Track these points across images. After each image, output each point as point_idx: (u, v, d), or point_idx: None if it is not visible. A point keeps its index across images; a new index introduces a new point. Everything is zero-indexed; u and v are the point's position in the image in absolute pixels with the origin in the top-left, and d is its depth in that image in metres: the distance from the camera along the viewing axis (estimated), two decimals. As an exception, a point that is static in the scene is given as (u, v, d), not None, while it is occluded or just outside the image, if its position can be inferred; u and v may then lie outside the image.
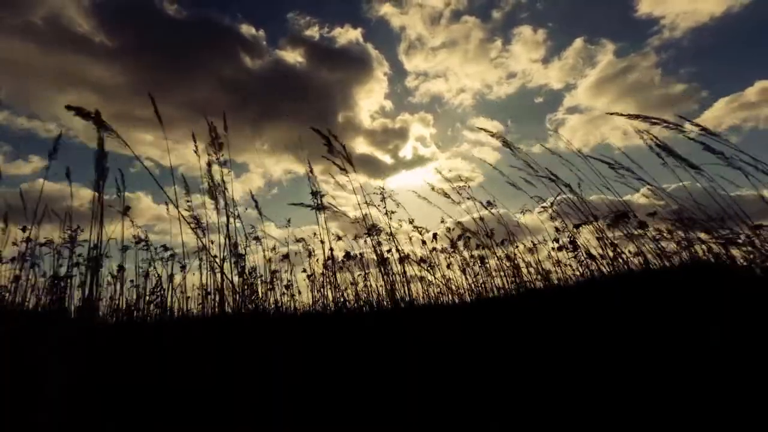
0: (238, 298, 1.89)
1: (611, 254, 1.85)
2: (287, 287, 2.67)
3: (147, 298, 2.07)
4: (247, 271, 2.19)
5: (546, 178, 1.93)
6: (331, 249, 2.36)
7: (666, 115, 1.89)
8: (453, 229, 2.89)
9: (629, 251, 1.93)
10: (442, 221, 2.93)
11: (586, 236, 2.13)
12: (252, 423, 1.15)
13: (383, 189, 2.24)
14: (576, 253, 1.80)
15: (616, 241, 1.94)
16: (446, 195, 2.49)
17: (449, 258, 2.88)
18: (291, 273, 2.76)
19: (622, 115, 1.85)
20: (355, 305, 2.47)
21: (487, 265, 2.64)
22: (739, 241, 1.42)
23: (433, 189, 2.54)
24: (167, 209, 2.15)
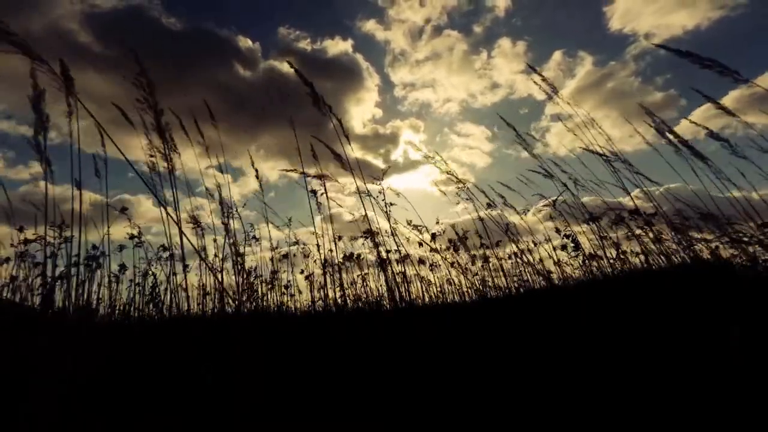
0: (238, 297, 1.88)
1: (613, 254, 1.84)
2: (287, 287, 2.66)
3: (146, 297, 2.05)
4: (246, 270, 2.18)
5: (549, 176, 1.92)
6: (331, 250, 2.34)
7: (647, 123, 1.94)
8: (445, 231, 2.88)
9: (630, 251, 1.93)
10: (437, 222, 2.91)
11: (588, 236, 2.12)
12: (252, 423, 1.14)
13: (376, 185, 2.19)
14: (578, 252, 1.79)
15: (617, 241, 1.93)
16: (458, 187, 2.43)
17: (450, 258, 2.87)
18: (291, 273, 2.74)
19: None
20: (355, 305, 2.45)
21: (488, 265, 2.63)
22: (746, 240, 1.41)
23: (436, 179, 2.49)
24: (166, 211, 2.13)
